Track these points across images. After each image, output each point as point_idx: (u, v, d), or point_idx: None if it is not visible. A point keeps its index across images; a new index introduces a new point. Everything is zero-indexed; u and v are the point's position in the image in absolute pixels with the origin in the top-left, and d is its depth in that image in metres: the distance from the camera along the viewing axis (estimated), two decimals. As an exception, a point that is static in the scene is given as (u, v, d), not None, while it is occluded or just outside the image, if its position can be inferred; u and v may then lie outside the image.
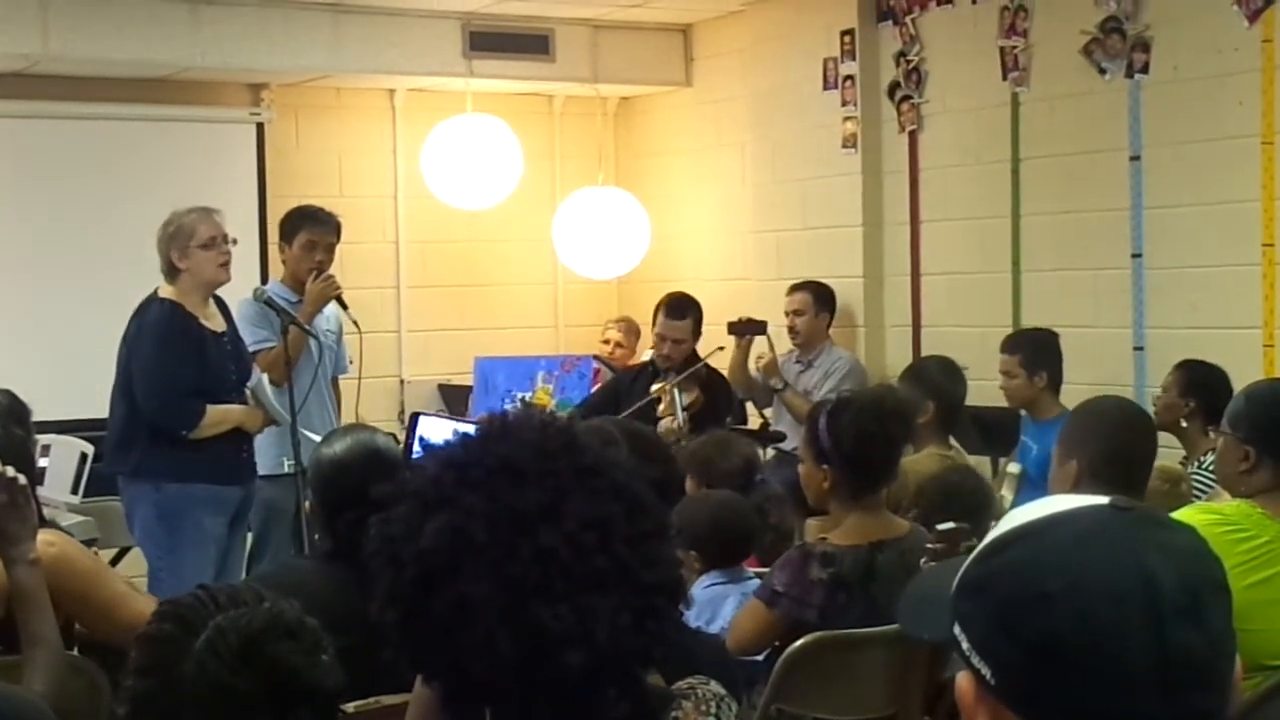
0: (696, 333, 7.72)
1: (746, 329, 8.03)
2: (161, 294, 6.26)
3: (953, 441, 6.48)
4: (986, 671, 1.40)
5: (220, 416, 6.21)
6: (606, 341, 9.11)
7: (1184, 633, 1.35)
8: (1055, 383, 6.68)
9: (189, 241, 6.21)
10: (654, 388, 7.34)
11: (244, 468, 6.38)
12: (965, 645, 1.42)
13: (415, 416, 4.87)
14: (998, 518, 1.64)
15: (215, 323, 6.32)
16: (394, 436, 4.92)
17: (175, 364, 6.12)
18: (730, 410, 7.74)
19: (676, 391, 7.21)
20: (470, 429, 2.00)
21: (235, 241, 6.41)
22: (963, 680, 1.44)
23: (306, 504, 4.01)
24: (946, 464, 5.64)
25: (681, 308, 7.75)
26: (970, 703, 1.43)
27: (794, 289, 8.11)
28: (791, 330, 8.04)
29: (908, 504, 4.80)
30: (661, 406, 7.19)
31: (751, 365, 8.07)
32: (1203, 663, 1.36)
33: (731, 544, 4.68)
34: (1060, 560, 1.39)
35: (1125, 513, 1.45)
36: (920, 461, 5.94)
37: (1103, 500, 1.48)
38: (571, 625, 1.78)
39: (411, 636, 1.86)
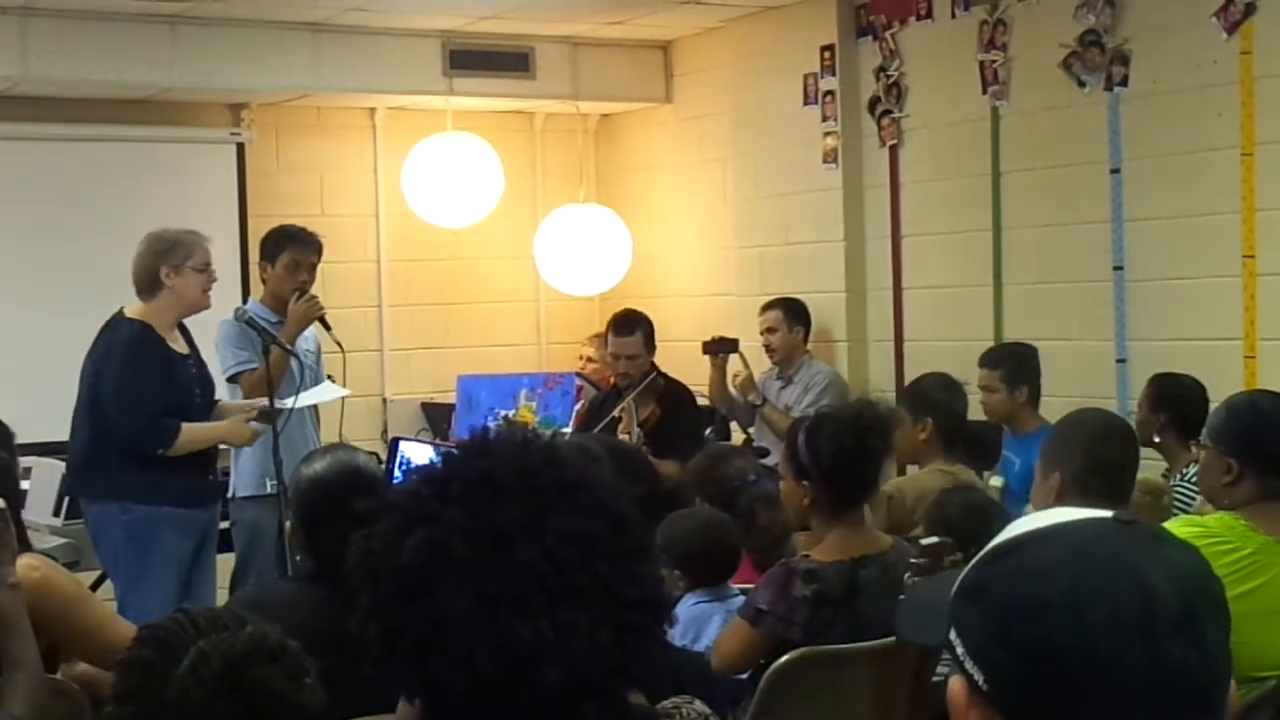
0: (649, 346, 7.72)
1: (720, 347, 8.03)
2: (130, 314, 6.22)
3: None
4: (979, 677, 1.39)
5: (201, 434, 6.19)
6: (581, 358, 9.10)
7: (1180, 649, 1.34)
8: (1035, 397, 6.68)
9: (185, 260, 6.19)
10: (618, 408, 7.38)
11: (210, 490, 6.37)
12: (960, 650, 1.42)
13: (395, 442, 4.87)
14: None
15: (180, 345, 6.30)
16: (376, 455, 4.91)
17: (146, 384, 6.10)
18: (698, 421, 7.75)
19: (633, 407, 7.26)
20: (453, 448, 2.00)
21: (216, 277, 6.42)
22: (955, 684, 1.43)
23: (288, 524, 4.01)
24: (947, 481, 5.61)
25: (629, 324, 7.75)
26: (961, 707, 1.42)
27: (765, 307, 8.11)
28: (768, 348, 8.04)
29: (908, 524, 4.78)
30: (621, 425, 7.22)
31: (730, 383, 8.07)
32: (1198, 681, 1.35)
33: (717, 562, 4.67)
34: (1060, 569, 1.39)
35: (1128, 527, 1.45)
36: (920, 479, 5.91)
37: (1105, 513, 1.48)
38: (550, 642, 1.77)
39: (391, 652, 1.85)
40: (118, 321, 6.23)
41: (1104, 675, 1.33)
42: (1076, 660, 1.34)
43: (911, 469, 6.43)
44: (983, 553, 1.47)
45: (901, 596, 3.94)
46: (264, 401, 6.31)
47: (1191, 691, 1.35)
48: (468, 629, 1.77)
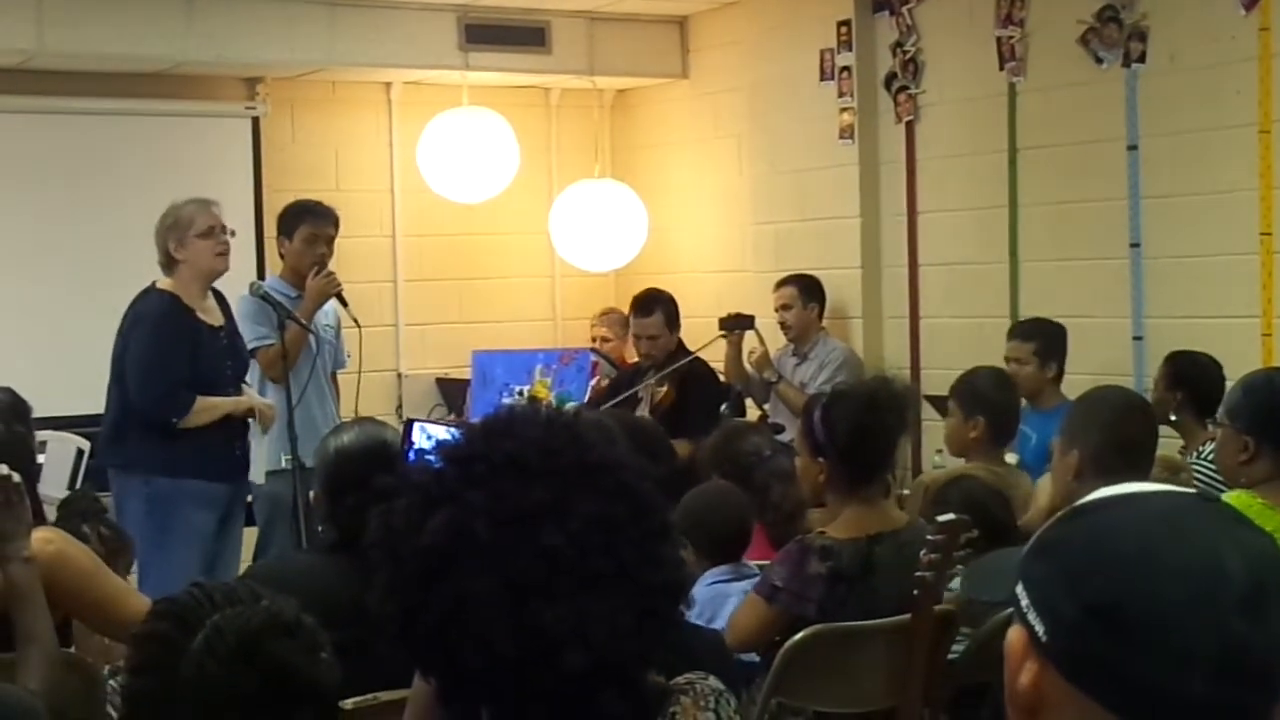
0: (672, 325, 7.71)
1: (735, 324, 8.03)
2: (160, 286, 6.26)
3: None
4: (1040, 627, 1.40)
5: (208, 405, 6.20)
6: (595, 338, 9.08)
7: (1245, 626, 1.34)
8: (1060, 375, 6.65)
9: (187, 231, 6.21)
10: (639, 388, 7.40)
11: (235, 465, 6.36)
12: (1024, 601, 1.43)
13: (410, 423, 4.86)
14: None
15: (213, 317, 6.30)
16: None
17: (168, 353, 6.11)
18: (718, 399, 7.74)
19: (651, 390, 7.29)
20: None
21: (233, 233, 6.40)
22: (1013, 634, 1.44)
23: (311, 493, 4.04)
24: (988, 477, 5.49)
25: (649, 304, 7.76)
26: (1017, 656, 1.43)
27: (780, 284, 8.10)
28: (783, 325, 8.04)
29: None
30: (640, 406, 7.24)
31: (745, 359, 8.07)
32: (1257, 660, 1.35)
33: (725, 536, 4.64)
34: (1135, 530, 1.40)
35: (1208, 504, 1.46)
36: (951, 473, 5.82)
37: (1189, 490, 1.49)
38: (572, 626, 1.76)
39: (410, 630, 1.84)
40: (148, 293, 6.27)
41: (1165, 638, 1.34)
42: (1140, 618, 1.34)
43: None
44: (1059, 514, 1.48)
45: (918, 573, 3.94)
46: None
47: (1253, 670, 1.35)
48: (489, 612, 1.76)
